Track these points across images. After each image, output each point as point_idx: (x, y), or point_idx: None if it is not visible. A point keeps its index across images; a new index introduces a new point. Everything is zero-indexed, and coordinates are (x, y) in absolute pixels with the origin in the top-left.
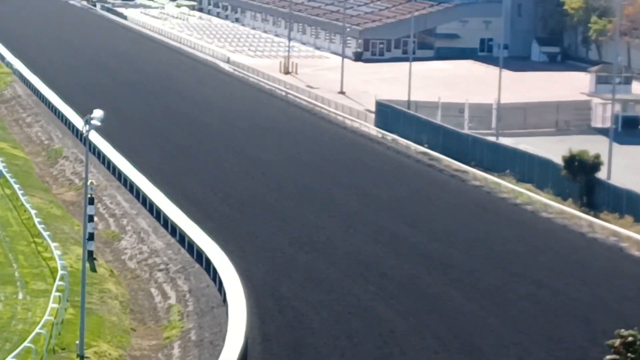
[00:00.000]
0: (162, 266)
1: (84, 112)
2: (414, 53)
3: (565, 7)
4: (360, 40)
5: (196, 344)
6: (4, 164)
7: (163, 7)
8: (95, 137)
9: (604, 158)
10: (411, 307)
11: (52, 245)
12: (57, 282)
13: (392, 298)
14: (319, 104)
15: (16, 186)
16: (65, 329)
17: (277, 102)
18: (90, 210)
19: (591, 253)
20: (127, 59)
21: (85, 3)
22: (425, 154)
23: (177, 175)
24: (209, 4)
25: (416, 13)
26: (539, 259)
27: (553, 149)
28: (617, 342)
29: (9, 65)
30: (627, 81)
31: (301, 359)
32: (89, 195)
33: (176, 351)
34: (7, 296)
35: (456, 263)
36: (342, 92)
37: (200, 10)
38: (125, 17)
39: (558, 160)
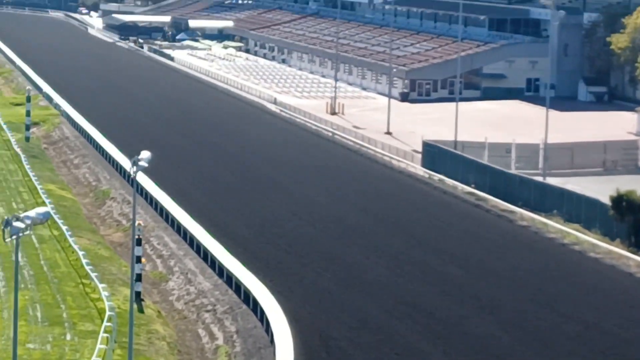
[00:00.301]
0: (209, 307)
1: (131, 154)
2: (460, 93)
3: (612, 46)
4: (406, 81)
5: None
6: (52, 206)
7: (210, 49)
8: (142, 178)
9: None
10: (458, 348)
11: (100, 286)
12: (105, 324)
13: (439, 338)
14: (366, 145)
15: (64, 227)
16: None
17: (324, 142)
18: (137, 251)
19: None
20: (174, 100)
21: (132, 45)
22: (472, 194)
23: (224, 216)
24: (256, 45)
25: (462, 53)
26: (587, 299)
27: (600, 189)
28: None
29: (57, 107)
30: None
31: None
32: (136, 237)
33: None
34: (55, 337)
35: (504, 303)
36: (388, 133)
37: (247, 51)
38: (172, 59)
39: (606, 200)
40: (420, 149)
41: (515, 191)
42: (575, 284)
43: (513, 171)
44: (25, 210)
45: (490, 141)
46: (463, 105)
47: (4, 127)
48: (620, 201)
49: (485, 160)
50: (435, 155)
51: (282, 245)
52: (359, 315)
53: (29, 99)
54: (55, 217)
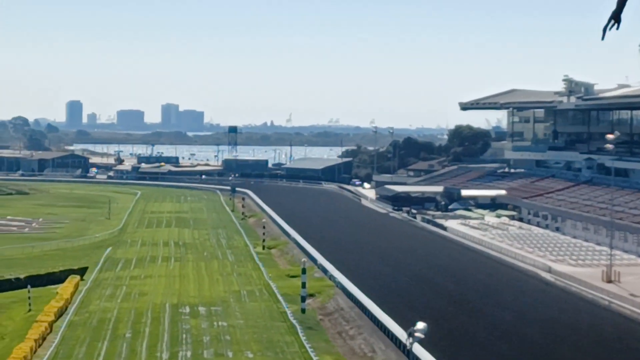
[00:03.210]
0: None
1: (407, 325)
2: None
3: None
4: None
5: None
6: None
7: (483, 218)
8: (418, 350)
9: None
10: None
11: None
12: None
13: None
14: None
15: None
16: None
17: (600, 311)
18: None
19: None
20: (447, 271)
21: (405, 215)
22: None
23: None
24: (529, 214)
25: None
26: None
27: None
28: None
29: (331, 278)
30: None
31: None
32: None
33: None
34: None
35: None
36: None
37: (520, 219)
38: (445, 228)
39: None
40: None
41: None
42: None
43: None
44: None
45: None
46: None
47: (280, 299)
48: None
49: None
50: None
51: None
52: None
53: (304, 271)
54: None
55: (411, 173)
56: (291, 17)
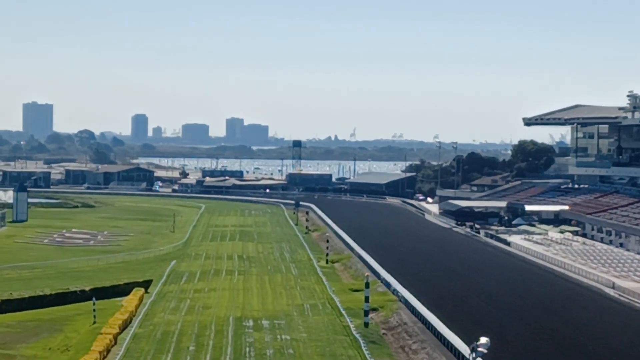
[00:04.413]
0: None
1: (470, 340)
2: None
3: None
4: None
5: None
6: None
7: (546, 233)
8: None
9: None
10: None
11: None
12: None
13: None
14: None
15: None
16: None
17: None
18: None
19: None
20: (510, 285)
21: (469, 230)
22: None
23: None
24: (592, 229)
25: None
26: None
27: None
28: None
29: (394, 292)
30: None
31: None
32: None
33: None
34: None
35: None
36: None
37: (584, 235)
38: (508, 244)
39: None
40: None
41: None
42: None
43: None
44: None
45: None
46: None
47: (343, 313)
48: None
49: None
50: None
51: None
52: None
53: (367, 285)
54: None
55: (475, 188)
56: (355, 33)
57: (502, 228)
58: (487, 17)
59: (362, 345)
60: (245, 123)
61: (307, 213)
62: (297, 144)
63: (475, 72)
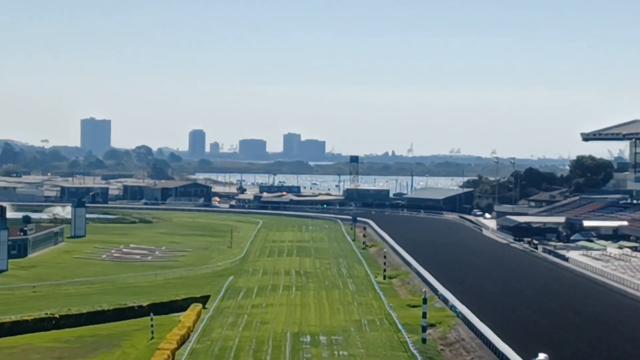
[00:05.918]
0: None
1: (528, 356)
2: None
3: None
4: None
5: None
6: None
7: (605, 249)
8: None
9: None
10: None
11: None
12: None
13: None
14: None
15: None
16: None
17: None
18: None
19: None
20: (568, 301)
21: (527, 245)
22: None
23: None
24: None
25: None
26: None
27: None
28: None
29: (452, 308)
30: None
31: None
32: None
33: None
34: None
35: None
36: None
37: None
38: (566, 259)
39: None
40: None
41: None
42: None
43: None
44: None
45: None
46: None
47: (401, 328)
48: None
49: None
50: None
51: None
52: None
53: (425, 301)
54: None
55: (532, 203)
56: (415, 48)
57: (560, 244)
58: (547, 32)
59: None
60: (303, 138)
61: (364, 229)
62: (354, 159)
63: (534, 87)
